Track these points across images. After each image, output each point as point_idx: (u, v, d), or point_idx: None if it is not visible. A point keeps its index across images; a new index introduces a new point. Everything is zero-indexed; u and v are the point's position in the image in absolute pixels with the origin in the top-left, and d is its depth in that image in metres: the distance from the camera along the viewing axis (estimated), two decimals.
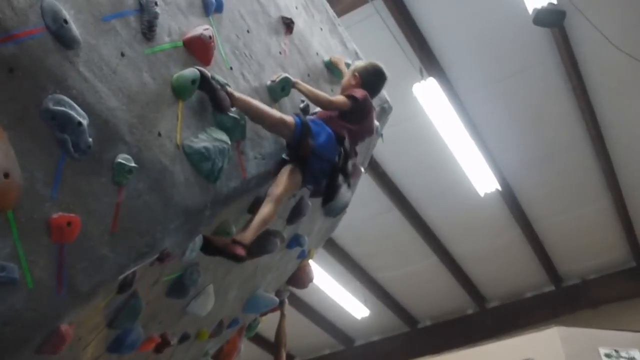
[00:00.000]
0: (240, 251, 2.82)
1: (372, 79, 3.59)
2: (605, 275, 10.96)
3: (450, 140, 7.31)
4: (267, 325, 5.04)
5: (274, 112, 3.09)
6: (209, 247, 2.86)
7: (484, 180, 8.05)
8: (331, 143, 3.17)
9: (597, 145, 8.31)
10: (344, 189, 3.20)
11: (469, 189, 8.38)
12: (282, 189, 3.03)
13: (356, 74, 3.55)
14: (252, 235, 2.90)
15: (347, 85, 3.53)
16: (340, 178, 3.19)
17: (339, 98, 3.35)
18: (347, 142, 3.25)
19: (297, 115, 3.23)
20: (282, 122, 3.07)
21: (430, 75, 6.78)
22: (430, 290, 11.14)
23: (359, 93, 3.38)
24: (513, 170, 8.73)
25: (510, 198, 9.15)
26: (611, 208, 9.57)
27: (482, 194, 8.30)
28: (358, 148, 3.45)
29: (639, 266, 10.69)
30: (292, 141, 3.13)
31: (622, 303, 10.48)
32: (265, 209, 2.96)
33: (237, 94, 2.92)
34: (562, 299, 11.12)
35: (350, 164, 3.30)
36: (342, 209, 3.28)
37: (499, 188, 8.41)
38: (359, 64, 3.66)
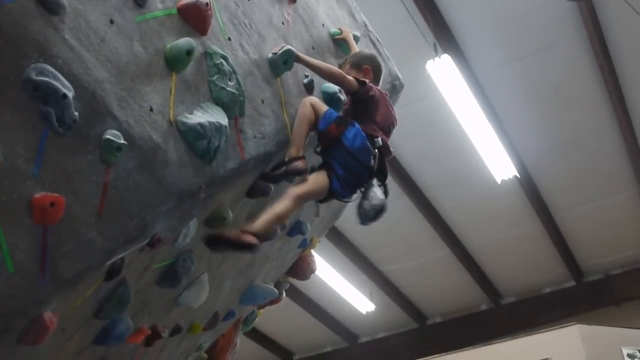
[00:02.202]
0: (252, 239, 2.82)
1: (378, 70, 3.61)
2: (630, 270, 10.99)
3: (465, 123, 7.29)
4: (265, 319, 5.05)
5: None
6: (219, 243, 2.85)
7: (501, 167, 8.03)
8: (363, 142, 3.19)
9: (625, 130, 8.28)
10: (377, 190, 3.19)
11: (485, 175, 8.37)
12: (304, 188, 3.05)
13: (366, 66, 3.54)
14: (261, 228, 2.90)
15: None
16: (375, 180, 3.21)
17: (349, 77, 3.34)
18: (379, 141, 3.27)
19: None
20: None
21: (445, 51, 6.75)
22: (441, 285, 11.18)
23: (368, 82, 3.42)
24: (533, 156, 8.71)
25: (529, 186, 9.14)
26: (638, 199, 9.55)
27: (499, 181, 8.29)
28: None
29: None
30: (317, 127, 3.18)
31: None
32: (280, 205, 2.97)
33: None
34: (583, 296, 11.16)
35: (386, 164, 3.32)
36: (379, 212, 3.20)
37: (518, 175, 8.39)
38: (358, 56, 3.63)
